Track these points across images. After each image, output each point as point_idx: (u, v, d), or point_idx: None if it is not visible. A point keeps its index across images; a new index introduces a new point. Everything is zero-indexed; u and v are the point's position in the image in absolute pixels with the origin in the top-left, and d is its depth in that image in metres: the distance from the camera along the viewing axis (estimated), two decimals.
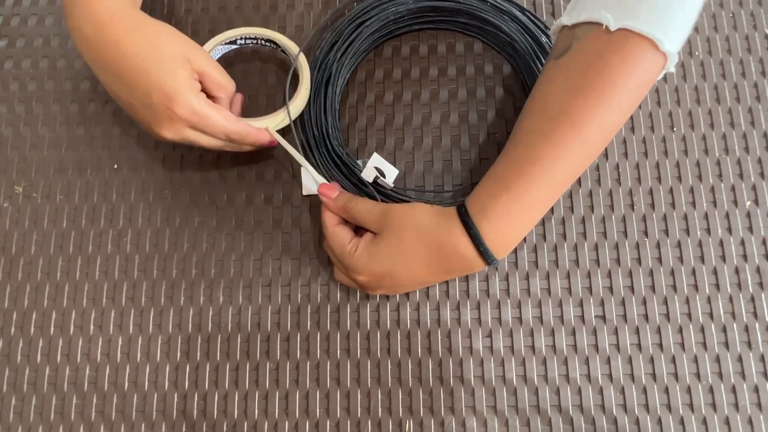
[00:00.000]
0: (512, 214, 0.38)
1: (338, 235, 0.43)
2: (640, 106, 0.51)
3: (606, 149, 0.50)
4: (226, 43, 0.51)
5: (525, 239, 0.48)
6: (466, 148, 0.50)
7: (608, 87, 0.36)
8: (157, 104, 0.40)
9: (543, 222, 0.48)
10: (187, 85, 0.40)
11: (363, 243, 0.41)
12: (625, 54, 0.36)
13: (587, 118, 0.37)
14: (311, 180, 0.47)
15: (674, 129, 0.50)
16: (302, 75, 0.49)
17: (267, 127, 0.46)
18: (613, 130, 0.39)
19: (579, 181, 0.49)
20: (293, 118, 0.47)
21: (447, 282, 0.47)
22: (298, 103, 0.48)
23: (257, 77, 0.52)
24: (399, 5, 0.51)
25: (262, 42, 0.52)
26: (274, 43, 0.51)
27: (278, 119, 0.47)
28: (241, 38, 0.51)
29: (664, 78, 0.51)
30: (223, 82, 0.44)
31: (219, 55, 0.52)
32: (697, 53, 0.52)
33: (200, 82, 0.43)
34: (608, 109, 0.37)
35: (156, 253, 0.49)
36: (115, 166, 0.51)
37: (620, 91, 0.37)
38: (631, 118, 0.51)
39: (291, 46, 0.50)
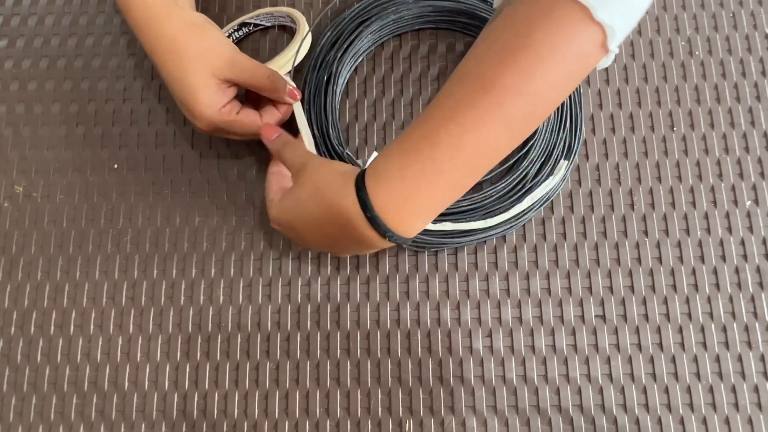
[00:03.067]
0: (407, 180, 0.34)
1: (269, 181, 0.43)
2: (639, 106, 0.51)
3: (606, 148, 0.50)
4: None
5: (525, 238, 0.48)
6: None
7: (531, 53, 0.32)
8: (187, 115, 0.45)
9: (543, 222, 0.48)
10: (209, 105, 0.42)
11: (283, 192, 0.41)
12: (553, 19, 0.32)
13: (505, 84, 0.33)
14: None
15: (674, 129, 0.50)
16: (299, 28, 0.50)
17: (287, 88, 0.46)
18: (539, 105, 0.34)
19: (579, 181, 0.49)
20: (295, 62, 0.49)
21: (447, 282, 0.47)
22: (295, 50, 0.49)
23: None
24: (399, 5, 0.51)
25: (260, 23, 0.53)
26: (273, 17, 0.53)
27: (281, 62, 0.48)
28: (236, 30, 0.52)
29: (664, 77, 0.51)
30: (256, 83, 0.44)
31: None
32: (697, 53, 0.52)
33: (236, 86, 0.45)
34: (531, 78, 0.33)
35: (156, 253, 0.49)
36: (115, 166, 0.51)
37: (545, 59, 0.33)
38: (631, 117, 0.50)
39: (287, 11, 0.52)
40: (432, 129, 0.34)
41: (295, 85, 0.46)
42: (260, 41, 0.54)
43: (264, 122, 0.45)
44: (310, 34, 0.50)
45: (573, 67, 0.33)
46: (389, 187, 0.34)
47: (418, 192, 0.35)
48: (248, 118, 0.44)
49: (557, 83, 0.34)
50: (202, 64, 0.42)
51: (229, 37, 0.53)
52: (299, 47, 0.49)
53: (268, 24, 0.54)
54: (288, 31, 0.54)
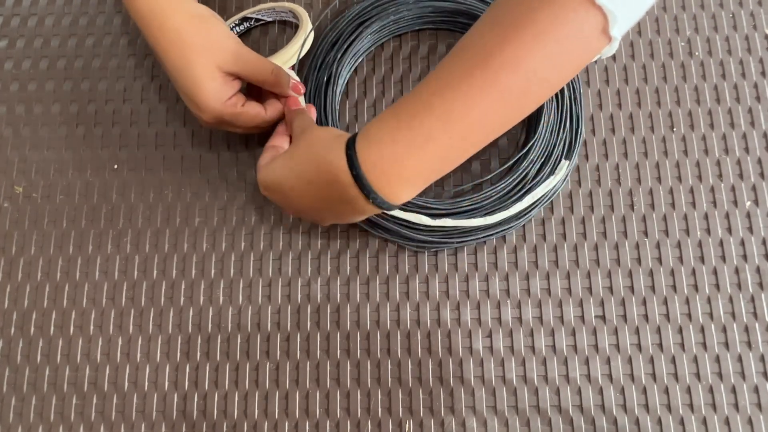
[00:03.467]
0: (397, 144, 0.35)
1: (264, 152, 0.43)
2: (639, 106, 0.51)
3: (606, 148, 0.50)
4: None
5: (525, 239, 0.48)
6: None
7: (530, 30, 0.33)
8: (192, 108, 0.44)
9: (543, 222, 0.48)
10: (214, 97, 0.42)
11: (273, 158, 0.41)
12: (554, 0, 0.33)
13: (502, 58, 0.33)
14: None
15: (674, 129, 0.50)
16: (302, 23, 0.51)
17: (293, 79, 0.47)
18: (536, 84, 0.34)
19: (579, 182, 0.49)
20: (300, 55, 0.50)
21: (447, 282, 0.47)
22: (297, 46, 0.50)
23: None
24: (399, 5, 0.51)
25: (262, 18, 0.53)
26: (275, 12, 0.53)
27: (285, 56, 0.49)
28: (237, 24, 0.53)
29: (664, 78, 0.51)
30: (260, 78, 0.45)
31: None
32: (697, 53, 0.52)
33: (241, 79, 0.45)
34: (528, 55, 0.33)
35: (156, 253, 0.49)
36: (115, 166, 0.51)
37: (544, 38, 0.33)
38: (631, 118, 0.50)
39: (290, 7, 0.52)
40: (428, 97, 0.35)
41: (299, 79, 0.46)
42: (260, 39, 0.54)
43: (291, 96, 0.46)
44: (313, 29, 0.50)
45: (572, 49, 0.33)
46: (379, 149, 0.35)
47: (407, 157, 0.35)
48: (253, 111, 0.45)
49: (555, 64, 0.34)
50: (208, 56, 0.42)
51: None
52: (303, 42, 0.49)
53: (270, 19, 0.54)
54: (288, 28, 0.54)
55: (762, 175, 0.49)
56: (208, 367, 0.46)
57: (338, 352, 0.46)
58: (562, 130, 0.49)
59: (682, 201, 0.49)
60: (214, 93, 0.42)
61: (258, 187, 0.43)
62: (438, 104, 0.34)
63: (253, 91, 0.47)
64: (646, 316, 0.46)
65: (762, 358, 0.45)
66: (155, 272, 0.48)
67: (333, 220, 0.42)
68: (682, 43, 0.52)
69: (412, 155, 0.35)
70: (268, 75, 0.44)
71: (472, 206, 0.47)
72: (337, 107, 0.50)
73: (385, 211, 0.37)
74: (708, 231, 0.48)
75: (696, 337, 0.46)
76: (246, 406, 0.45)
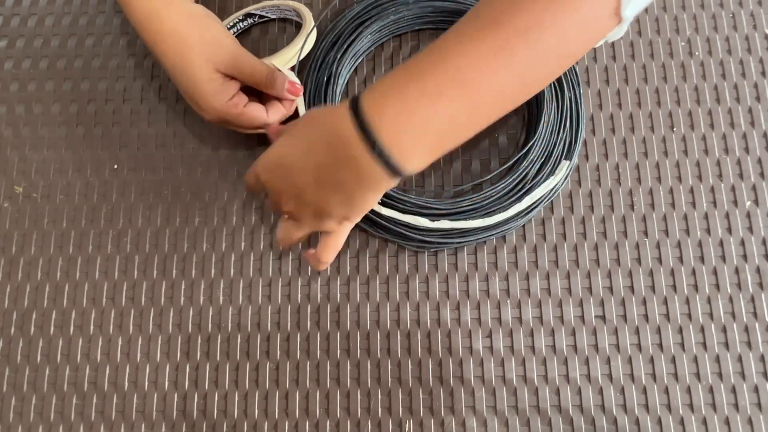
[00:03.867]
0: (407, 98, 0.33)
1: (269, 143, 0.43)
2: (639, 106, 0.51)
3: (606, 148, 0.50)
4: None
5: (525, 238, 0.48)
6: (466, 148, 0.50)
7: (544, 1, 0.33)
8: (194, 107, 0.45)
9: (543, 222, 0.48)
10: (216, 97, 0.43)
11: None
12: None
13: (514, 26, 0.33)
14: None
15: (674, 129, 0.50)
16: (305, 22, 0.51)
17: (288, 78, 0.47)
18: (545, 57, 0.34)
19: (579, 181, 0.49)
20: (301, 56, 0.50)
21: (447, 282, 0.47)
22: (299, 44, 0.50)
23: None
24: (399, 5, 0.51)
25: (265, 15, 0.54)
26: (279, 10, 0.53)
27: (286, 57, 0.49)
28: (240, 20, 0.53)
29: (664, 78, 0.51)
30: (255, 80, 0.45)
31: None
32: (697, 53, 0.52)
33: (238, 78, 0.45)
34: (540, 26, 0.33)
35: (156, 253, 0.49)
36: (115, 166, 0.51)
37: (555, 8, 0.33)
38: (631, 118, 0.50)
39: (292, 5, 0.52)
40: (438, 54, 0.34)
41: (298, 81, 0.46)
42: (260, 38, 0.54)
43: (270, 125, 0.45)
44: (315, 29, 0.50)
45: (582, 25, 0.33)
46: (385, 101, 0.33)
47: (416, 110, 0.33)
48: (254, 113, 0.45)
49: (564, 39, 0.34)
50: (206, 56, 0.42)
51: (233, 27, 0.53)
52: (304, 42, 0.49)
53: (273, 16, 0.54)
54: (289, 26, 0.54)
55: (762, 175, 0.49)
56: (208, 367, 0.46)
57: (338, 352, 0.46)
58: (562, 130, 0.49)
59: (682, 201, 0.49)
60: (214, 93, 0.42)
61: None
62: (449, 64, 0.33)
63: (253, 91, 0.47)
64: (646, 316, 0.46)
65: (762, 358, 0.45)
66: (155, 272, 0.48)
67: (338, 201, 0.38)
68: (682, 43, 0.52)
69: (421, 108, 0.33)
70: (263, 77, 0.44)
71: (472, 206, 0.47)
72: None
73: (392, 190, 0.35)
74: (708, 231, 0.48)
75: (696, 337, 0.46)
76: (246, 406, 0.45)
